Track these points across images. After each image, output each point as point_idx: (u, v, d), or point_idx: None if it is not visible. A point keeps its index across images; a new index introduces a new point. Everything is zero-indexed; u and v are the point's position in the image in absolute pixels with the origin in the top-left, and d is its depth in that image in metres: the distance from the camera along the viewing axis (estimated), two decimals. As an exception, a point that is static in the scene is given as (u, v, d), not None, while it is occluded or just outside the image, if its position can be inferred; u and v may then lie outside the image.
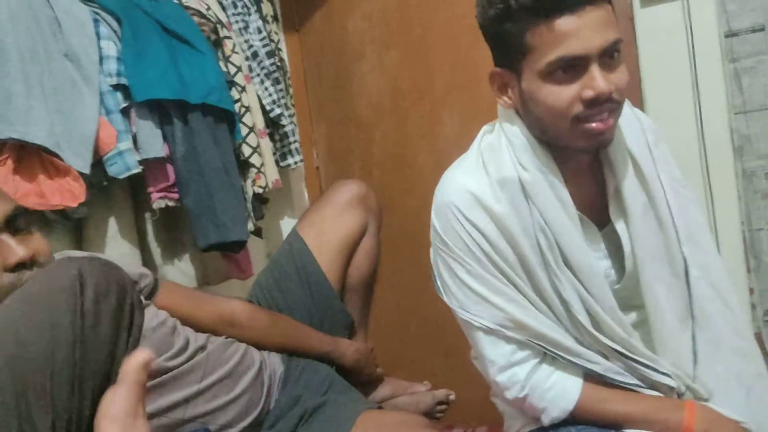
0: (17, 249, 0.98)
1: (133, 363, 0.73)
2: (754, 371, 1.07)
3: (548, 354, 1.04)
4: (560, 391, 1.03)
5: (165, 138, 1.64)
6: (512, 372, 1.04)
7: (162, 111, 1.63)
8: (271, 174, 1.96)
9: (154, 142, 1.60)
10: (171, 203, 1.66)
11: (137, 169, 1.55)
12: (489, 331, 1.05)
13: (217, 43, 1.87)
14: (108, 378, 0.88)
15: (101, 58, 1.54)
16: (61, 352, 0.78)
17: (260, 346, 1.36)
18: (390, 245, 2.00)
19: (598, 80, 0.93)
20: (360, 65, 2.30)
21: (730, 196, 1.82)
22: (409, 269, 2.14)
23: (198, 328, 1.31)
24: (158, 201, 1.64)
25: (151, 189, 1.64)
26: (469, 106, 2.09)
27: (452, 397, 1.61)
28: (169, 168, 1.65)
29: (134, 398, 0.71)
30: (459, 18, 2.03)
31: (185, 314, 1.31)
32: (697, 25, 1.80)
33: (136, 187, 1.68)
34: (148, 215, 1.71)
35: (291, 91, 2.22)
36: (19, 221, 1.03)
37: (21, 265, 0.99)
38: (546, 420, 1.04)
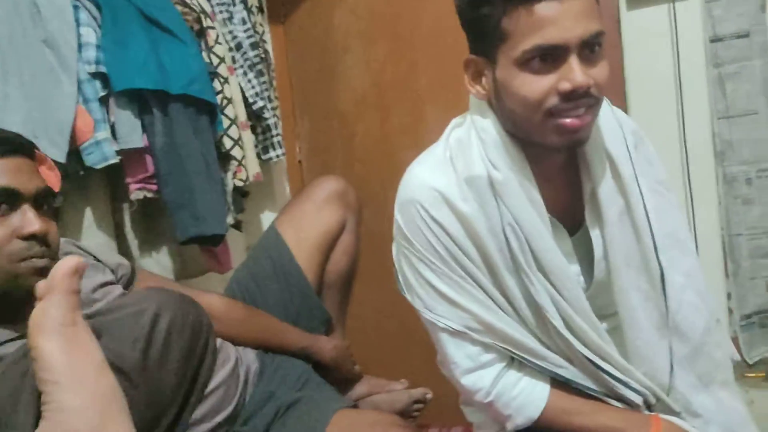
0: (35, 221, 1.03)
1: (61, 271, 0.67)
2: (722, 379, 1.06)
3: (515, 359, 1.03)
4: (526, 400, 1.01)
5: (144, 128, 1.61)
6: (478, 375, 1.03)
7: (141, 101, 1.60)
8: (253, 167, 1.94)
9: (132, 132, 1.58)
10: (149, 195, 1.64)
11: (115, 159, 1.53)
12: (454, 333, 1.03)
13: (200, 33, 1.84)
14: (163, 415, 0.88)
15: (80, 45, 1.51)
16: (119, 381, 0.76)
17: (236, 341, 1.35)
18: (371, 241, 1.99)
19: (576, 72, 0.88)
20: (345, 59, 2.28)
21: (711, 201, 1.83)
22: (389, 265, 2.12)
23: None
24: (136, 192, 1.62)
25: (129, 180, 1.62)
26: (453, 103, 2.07)
27: (429, 395, 1.60)
28: (148, 159, 1.63)
29: (69, 306, 0.66)
30: (445, 14, 2.00)
31: None
32: (682, 29, 1.80)
33: (114, 177, 1.66)
34: (125, 206, 1.69)
35: (274, 83, 2.20)
36: (46, 201, 1.08)
37: (33, 238, 1.03)
38: (510, 426, 1.03)
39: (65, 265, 0.67)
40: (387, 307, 2.21)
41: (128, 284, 1.30)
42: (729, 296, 1.85)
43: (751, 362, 1.84)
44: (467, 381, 1.03)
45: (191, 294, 1.36)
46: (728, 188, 1.83)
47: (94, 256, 1.26)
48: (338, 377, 1.50)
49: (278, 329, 1.42)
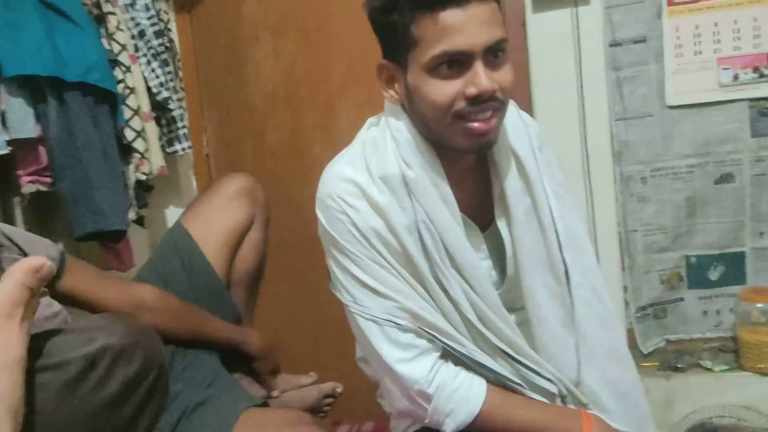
0: None
1: (22, 265, 0.66)
2: (631, 377, 1.11)
3: (447, 351, 1.03)
4: (467, 393, 1.02)
5: (38, 117, 1.53)
6: (413, 365, 1.02)
7: (35, 88, 1.52)
8: (157, 160, 1.87)
9: (24, 122, 1.50)
10: (43, 188, 1.57)
11: (4, 150, 1.45)
12: (382, 323, 1.02)
13: (100, 19, 1.76)
14: None
15: (-34, 28, 1.42)
16: (48, 397, 0.75)
17: (169, 333, 1.30)
18: (283, 236, 1.96)
19: (481, 77, 0.92)
20: (254, 51, 2.24)
21: (609, 199, 1.92)
22: (301, 260, 2.11)
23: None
24: (28, 185, 1.54)
25: (20, 172, 1.54)
26: (365, 98, 2.08)
27: (339, 389, 1.60)
28: (42, 150, 1.55)
29: (14, 298, 0.65)
30: (355, 11, 2.01)
31: (92, 298, 1.23)
32: (584, 33, 1.87)
33: (4, 169, 1.56)
34: (16, 200, 1.60)
35: (180, 74, 2.13)
36: None
37: None
38: (451, 426, 1.01)
39: (28, 260, 0.67)
40: (300, 301, 2.20)
41: (56, 277, 1.23)
42: (625, 289, 1.95)
43: (645, 352, 1.95)
44: (404, 371, 1.02)
45: (123, 284, 1.32)
46: (625, 187, 1.93)
47: (20, 248, 1.18)
48: (264, 369, 1.48)
49: (209, 321, 1.39)
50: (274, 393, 1.51)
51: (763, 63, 1.78)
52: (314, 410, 1.55)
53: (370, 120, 1.11)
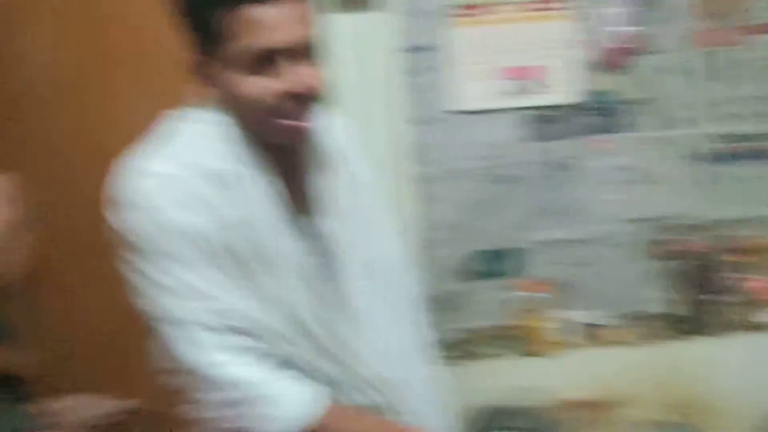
0: None
1: None
2: (422, 375, 1.18)
3: (272, 355, 1.00)
4: (298, 398, 0.98)
5: None
6: (233, 370, 0.96)
7: None
8: None
9: None
10: None
11: None
12: (194, 327, 0.95)
13: None
14: None
15: None
16: None
17: None
18: (76, 241, 1.80)
19: (294, 75, 0.93)
20: (23, 38, 2.01)
21: (407, 199, 2.00)
22: (78, 270, 1.96)
23: None
24: None
25: None
26: (153, 88, 1.93)
27: (137, 407, 1.53)
28: None
29: None
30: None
31: None
32: (380, 38, 1.93)
33: None
34: None
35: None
36: None
37: None
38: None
39: None
40: (79, 313, 2.03)
41: None
42: (420, 284, 2.04)
43: (439, 343, 2.05)
44: (221, 375, 0.95)
45: None
46: (421, 187, 2.02)
47: None
48: (37, 393, 1.33)
49: None
50: (56, 419, 1.38)
51: (542, 74, 1.96)
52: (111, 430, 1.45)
53: (175, 114, 1.05)
